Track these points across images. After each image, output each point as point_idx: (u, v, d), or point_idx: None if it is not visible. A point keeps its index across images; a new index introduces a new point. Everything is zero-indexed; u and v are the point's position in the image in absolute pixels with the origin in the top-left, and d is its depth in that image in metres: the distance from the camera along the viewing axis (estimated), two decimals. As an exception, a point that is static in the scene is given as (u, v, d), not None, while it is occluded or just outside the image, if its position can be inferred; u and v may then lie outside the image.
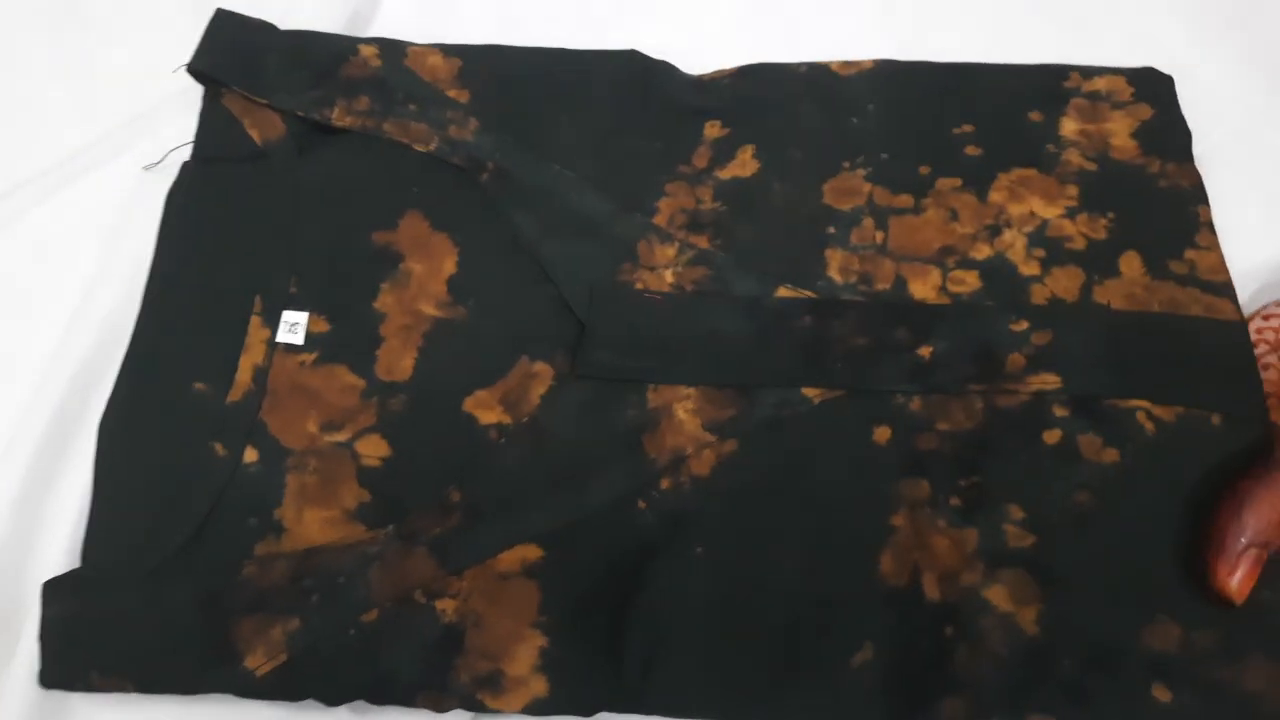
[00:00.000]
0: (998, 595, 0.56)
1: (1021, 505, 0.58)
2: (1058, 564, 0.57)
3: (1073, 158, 0.68)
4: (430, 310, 0.65)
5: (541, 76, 0.73)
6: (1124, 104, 0.70)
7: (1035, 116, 0.70)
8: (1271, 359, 0.61)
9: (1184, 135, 0.69)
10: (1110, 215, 0.66)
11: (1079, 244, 0.65)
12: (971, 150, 0.69)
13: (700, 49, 0.75)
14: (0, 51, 0.80)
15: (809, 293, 0.64)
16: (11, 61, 0.79)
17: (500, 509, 0.59)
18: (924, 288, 0.64)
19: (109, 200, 0.72)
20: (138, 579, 0.57)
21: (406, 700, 0.56)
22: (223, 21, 0.74)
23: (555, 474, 0.60)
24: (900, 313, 0.63)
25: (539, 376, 0.63)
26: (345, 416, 0.62)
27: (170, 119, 0.74)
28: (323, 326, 0.65)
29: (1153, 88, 0.71)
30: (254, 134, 0.71)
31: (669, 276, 0.65)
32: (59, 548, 0.61)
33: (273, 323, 0.64)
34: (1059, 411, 0.60)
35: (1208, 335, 0.61)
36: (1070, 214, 0.66)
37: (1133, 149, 0.69)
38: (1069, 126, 0.70)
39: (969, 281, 0.64)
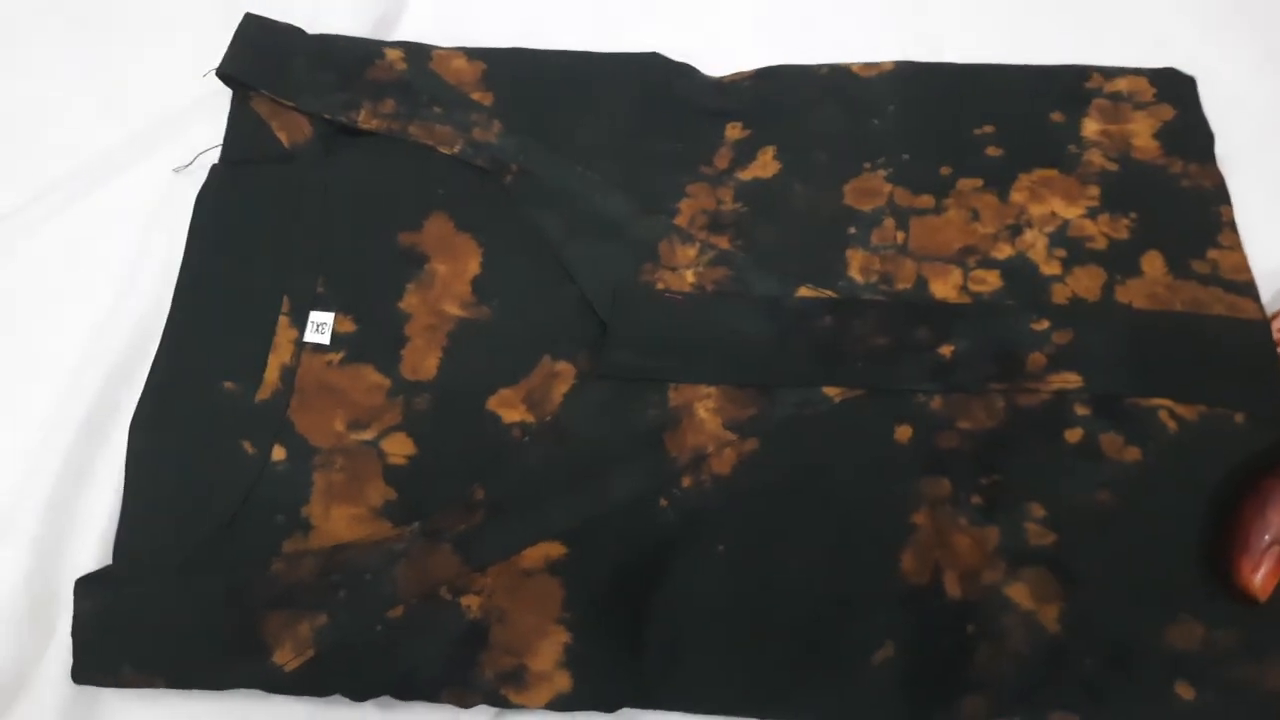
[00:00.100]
0: (1019, 593, 0.56)
1: (1043, 504, 0.58)
2: (1079, 562, 0.57)
3: (1094, 158, 0.68)
4: (455, 310, 0.66)
5: (564, 79, 0.74)
6: (1146, 104, 0.70)
7: (1057, 117, 0.70)
8: (1294, 358, 0.61)
9: (1206, 136, 0.69)
10: (1132, 215, 0.66)
11: (1100, 244, 0.65)
12: (993, 151, 0.69)
13: (720, 51, 0.76)
14: (31, 55, 0.81)
15: (830, 292, 0.64)
16: (43, 65, 0.80)
17: (524, 506, 0.60)
18: (945, 287, 0.64)
19: (139, 202, 0.73)
20: (168, 575, 0.58)
21: (431, 696, 0.56)
22: (251, 26, 0.75)
23: (578, 472, 0.61)
24: (921, 312, 0.63)
25: (562, 376, 0.63)
26: (371, 415, 0.63)
27: (199, 122, 0.74)
28: (349, 326, 0.66)
29: (1175, 88, 0.71)
30: (282, 136, 0.72)
31: (690, 277, 0.66)
32: (91, 545, 0.62)
33: (300, 323, 0.65)
34: (1080, 410, 0.60)
35: (1230, 334, 0.61)
36: (1092, 214, 0.66)
37: (1155, 149, 0.68)
38: (1091, 127, 0.70)
39: (990, 281, 0.64)
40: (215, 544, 0.59)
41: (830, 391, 0.61)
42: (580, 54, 0.75)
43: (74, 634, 0.57)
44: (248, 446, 0.62)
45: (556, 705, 0.56)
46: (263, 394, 0.63)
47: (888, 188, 0.68)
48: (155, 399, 0.64)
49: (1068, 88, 0.71)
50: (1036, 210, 0.66)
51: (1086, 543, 0.57)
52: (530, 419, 0.62)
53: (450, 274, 0.67)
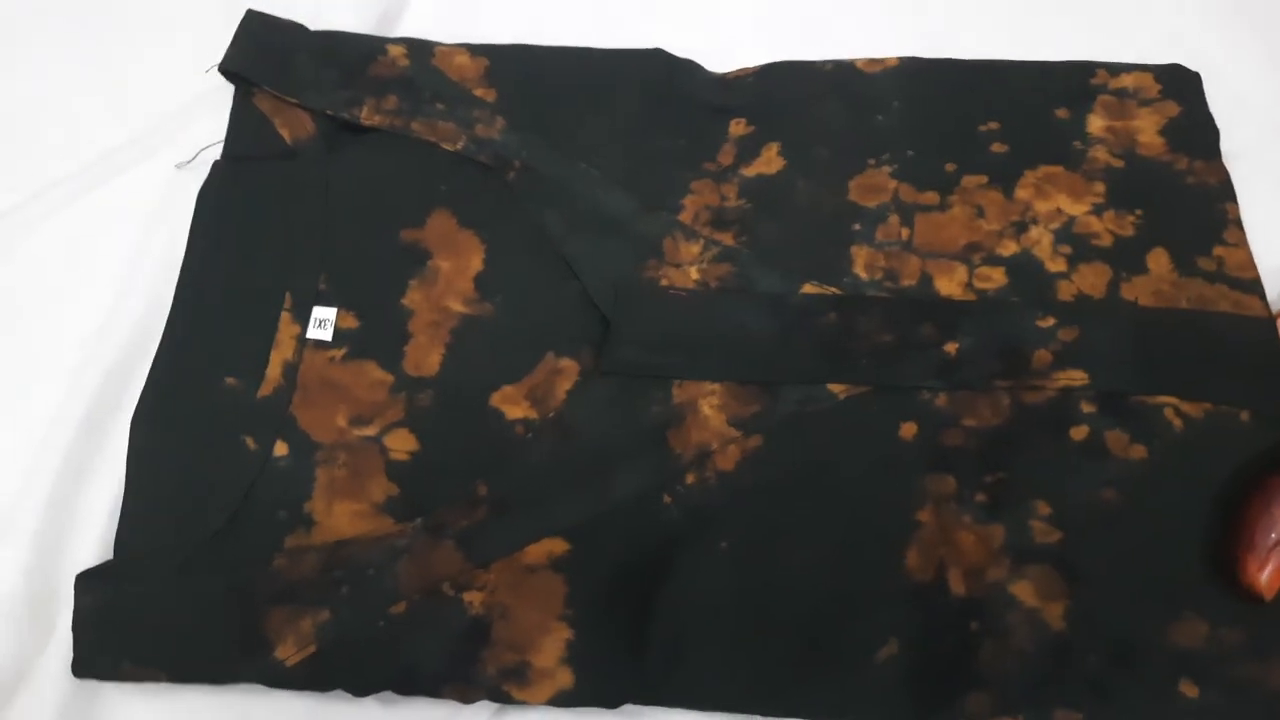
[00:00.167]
0: (1024, 591, 0.56)
1: (1048, 501, 0.58)
2: (1084, 560, 0.57)
3: (1100, 154, 0.68)
4: (457, 307, 0.65)
5: (567, 75, 0.74)
6: (1151, 101, 0.70)
7: (1062, 113, 0.70)
8: (1301, 356, 0.60)
9: (1212, 132, 0.69)
10: (1138, 212, 0.66)
11: (1106, 241, 0.65)
12: (998, 147, 0.69)
13: (725, 48, 0.75)
14: (33, 51, 0.81)
15: (834, 289, 0.64)
16: (44, 61, 0.80)
17: (526, 503, 0.60)
18: (950, 284, 0.64)
19: (141, 198, 0.73)
20: (169, 571, 0.58)
21: (433, 691, 0.56)
22: (253, 22, 0.75)
23: (581, 469, 0.61)
24: (926, 309, 0.63)
25: (565, 372, 0.63)
26: (374, 411, 0.63)
27: (201, 118, 0.74)
28: (352, 323, 0.65)
29: (1180, 85, 0.71)
30: (284, 133, 0.72)
31: (694, 273, 0.65)
32: (92, 540, 0.61)
33: (303, 319, 0.65)
34: (1086, 408, 0.60)
35: (1236, 332, 0.61)
36: (1097, 211, 0.66)
37: (1160, 146, 0.68)
38: (1096, 123, 0.69)
39: (995, 278, 0.64)
40: (217, 540, 0.59)
41: (835, 388, 0.61)
42: (583, 50, 0.75)
43: (74, 629, 0.57)
44: (250, 442, 0.62)
45: (558, 701, 0.56)
46: (265, 390, 0.63)
47: (892, 184, 0.68)
48: (157, 395, 0.64)
49: (1073, 84, 0.71)
50: (1042, 207, 0.66)
51: (1091, 540, 0.57)
52: (533, 415, 0.62)
53: (453, 270, 0.67)
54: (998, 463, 0.59)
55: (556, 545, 0.58)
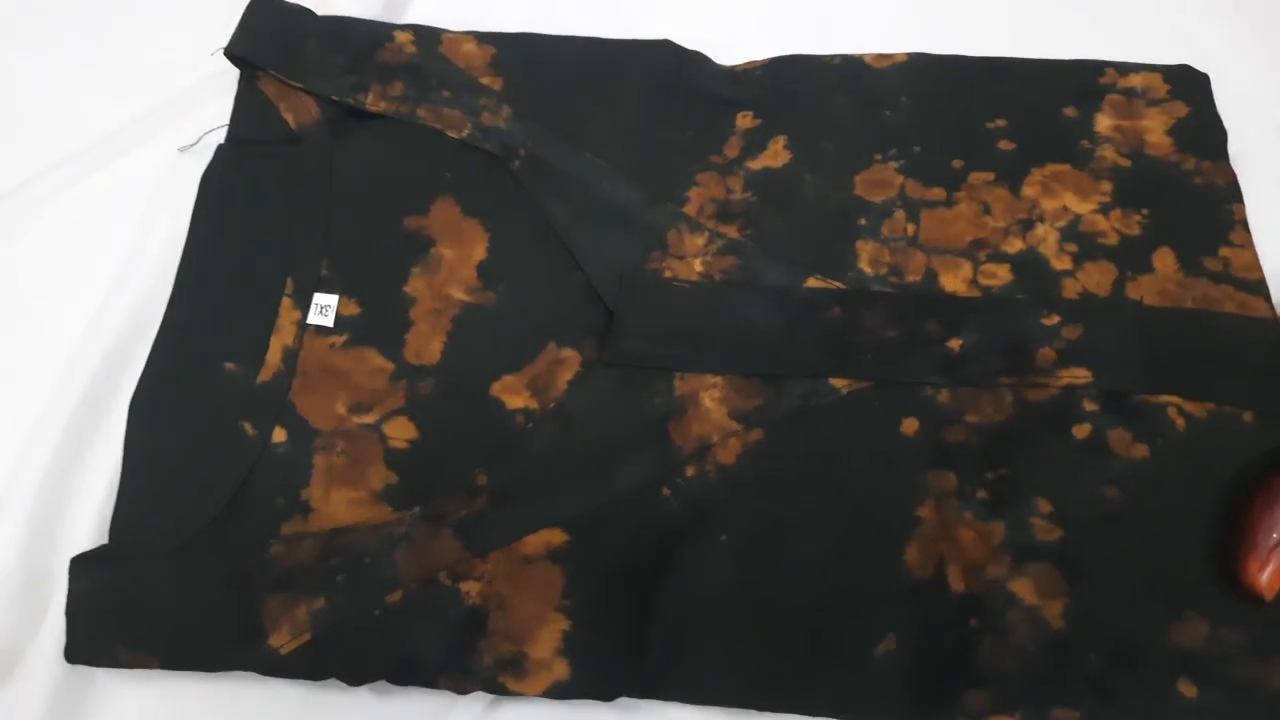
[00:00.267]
0: (1024, 588, 0.56)
1: (1049, 499, 0.58)
2: (1085, 558, 0.56)
3: (1107, 154, 0.68)
4: (460, 295, 0.65)
5: (574, 65, 0.73)
6: (1160, 101, 0.70)
7: (1070, 112, 0.70)
8: (1305, 357, 0.60)
9: (1219, 133, 0.69)
10: (1144, 211, 0.65)
11: (1112, 239, 0.65)
12: (1005, 144, 0.68)
13: (733, 40, 0.75)
14: (39, 33, 0.80)
15: (839, 284, 0.64)
16: (50, 43, 0.80)
17: (526, 493, 0.59)
18: (955, 280, 0.64)
19: (144, 181, 0.73)
20: (165, 556, 0.58)
21: (428, 681, 0.56)
22: (260, 6, 0.74)
23: (581, 460, 0.60)
24: (930, 305, 0.63)
25: (566, 363, 0.63)
26: (374, 399, 0.62)
27: (206, 102, 0.74)
28: (353, 309, 0.65)
29: (1189, 85, 0.71)
30: (289, 118, 0.71)
31: (698, 265, 0.65)
32: (87, 524, 0.61)
33: (304, 304, 0.65)
34: (1089, 406, 0.59)
35: (1240, 332, 0.61)
36: (1104, 209, 0.66)
37: (1168, 146, 0.68)
38: (1104, 122, 0.69)
39: (1000, 275, 0.64)
40: (213, 526, 0.59)
41: (837, 383, 0.61)
42: (591, 40, 0.74)
43: (68, 613, 0.57)
44: (248, 428, 0.61)
45: (554, 693, 0.56)
46: (264, 375, 0.63)
47: (899, 179, 0.68)
48: (156, 378, 0.64)
49: (1081, 83, 0.71)
50: (1048, 205, 0.66)
51: (1092, 539, 0.57)
52: (534, 405, 0.62)
53: (456, 259, 0.66)
54: (999, 460, 0.59)
55: (555, 536, 0.58)
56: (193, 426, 0.62)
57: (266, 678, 0.56)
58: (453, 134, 0.70)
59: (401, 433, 0.62)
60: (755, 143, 0.70)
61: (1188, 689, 0.53)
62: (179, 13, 0.80)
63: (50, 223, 0.72)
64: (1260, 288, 0.63)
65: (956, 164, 0.68)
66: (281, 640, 0.56)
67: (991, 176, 0.67)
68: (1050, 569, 0.56)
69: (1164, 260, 0.64)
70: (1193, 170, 0.67)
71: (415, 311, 0.65)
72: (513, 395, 0.62)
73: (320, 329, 0.64)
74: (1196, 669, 0.54)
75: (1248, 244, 0.64)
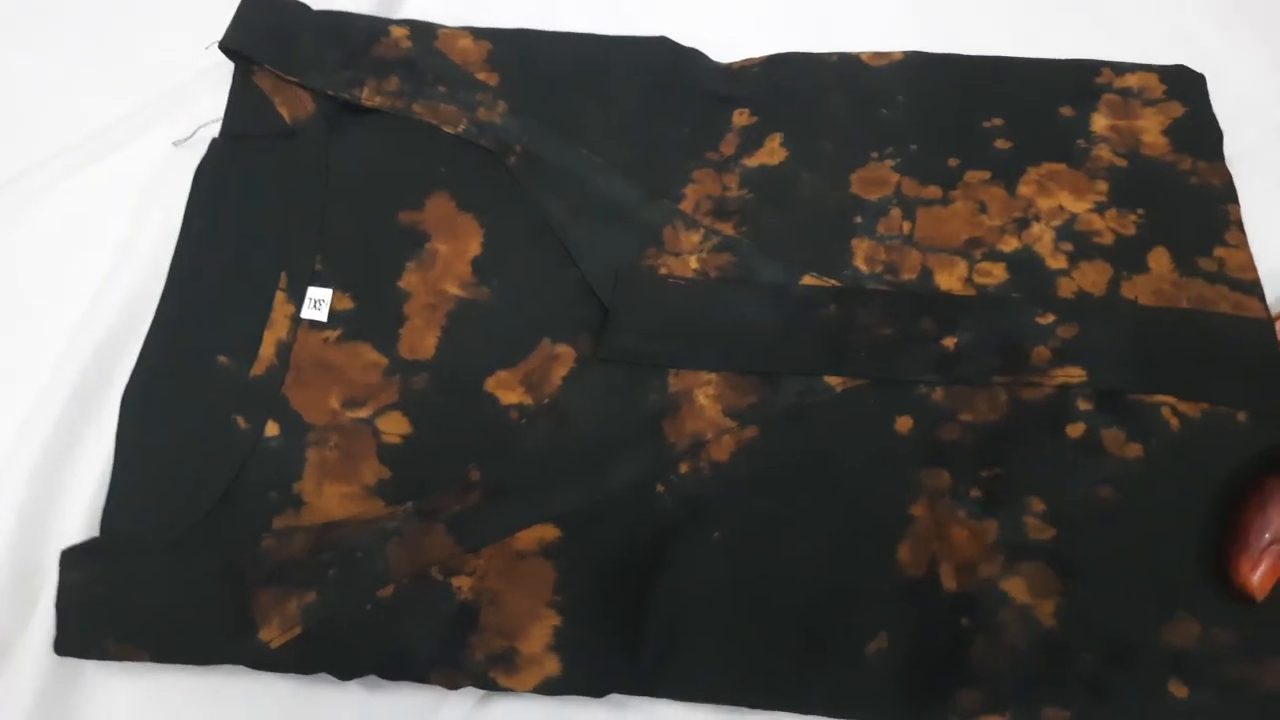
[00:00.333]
0: (1016, 587, 0.56)
1: (1043, 498, 0.58)
2: (1078, 558, 0.56)
3: (1103, 153, 0.68)
4: (454, 290, 0.65)
5: (571, 61, 0.73)
6: (1156, 101, 0.70)
7: (1066, 111, 0.70)
8: (1299, 358, 0.60)
9: (1215, 134, 0.69)
10: (1140, 211, 0.65)
11: (1107, 239, 0.65)
12: (1001, 143, 0.68)
13: (730, 38, 0.75)
14: (33, 27, 0.80)
15: (834, 281, 0.64)
16: (45, 37, 0.80)
17: (519, 489, 0.59)
18: (950, 279, 0.64)
19: (138, 175, 0.72)
20: (156, 549, 0.58)
21: (419, 676, 0.56)
22: (255, 0, 0.74)
23: (575, 456, 0.60)
24: (925, 303, 0.63)
25: (561, 359, 0.63)
26: (367, 393, 0.62)
27: (201, 96, 0.74)
28: (347, 304, 0.65)
29: (1185, 86, 0.71)
30: (284, 112, 0.71)
31: (693, 262, 0.65)
32: (79, 516, 0.61)
33: (297, 298, 0.65)
34: (1083, 405, 0.59)
35: (1235, 333, 0.61)
36: (1099, 209, 0.66)
37: (1164, 146, 0.68)
38: (1100, 122, 0.69)
39: (995, 273, 0.64)
40: (205, 519, 0.59)
41: (832, 381, 0.61)
42: (588, 36, 0.74)
43: (58, 606, 0.57)
44: (241, 422, 0.61)
45: (545, 689, 0.55)
46: (257, 369, 0.63)
47: (895, 178, 0.67)
48: (148, 372, 0.63)
49: (1078, 82, 0.71)
50: (1044, 204, 0.66)
51: (1085, 538, 0.57)
52: (528, 401, 0.62)
53: (451, 254, 0.66)
54: (993, 458, 0.59)
55: (547, 532, 0.58)
56: (185, 420, 0.62)
57: (257, 671, 0.56)
58: (448, 129, 0.70)
59: (395, 427, 0.61)
60: (752, 140, 0.70)
61: (1179, 689, 0.53)
62: (174, 7, 0.80)
63: (44, 216, 0.72)
64: (1255, 288, 0.63)
65: (952, 162, 0.68)
66: (272, 634, 0.56)
67: (987, 175, 0.67)
68: (1043, 568, 0.56)
69: (1159, 260, 0.64)
70: (1188, 170, 0.67)
71: (409, 306, 0.65)
72: (507, 391, 0.62)
73: (314, 323, 0.64)
74: (1188, 669, 0.54)
75: (1243, 244, 0.64)
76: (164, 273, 0.67)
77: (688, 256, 0.65)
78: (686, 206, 0.67)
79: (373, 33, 0.73)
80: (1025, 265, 0.64)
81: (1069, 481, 0.58)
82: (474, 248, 0.66)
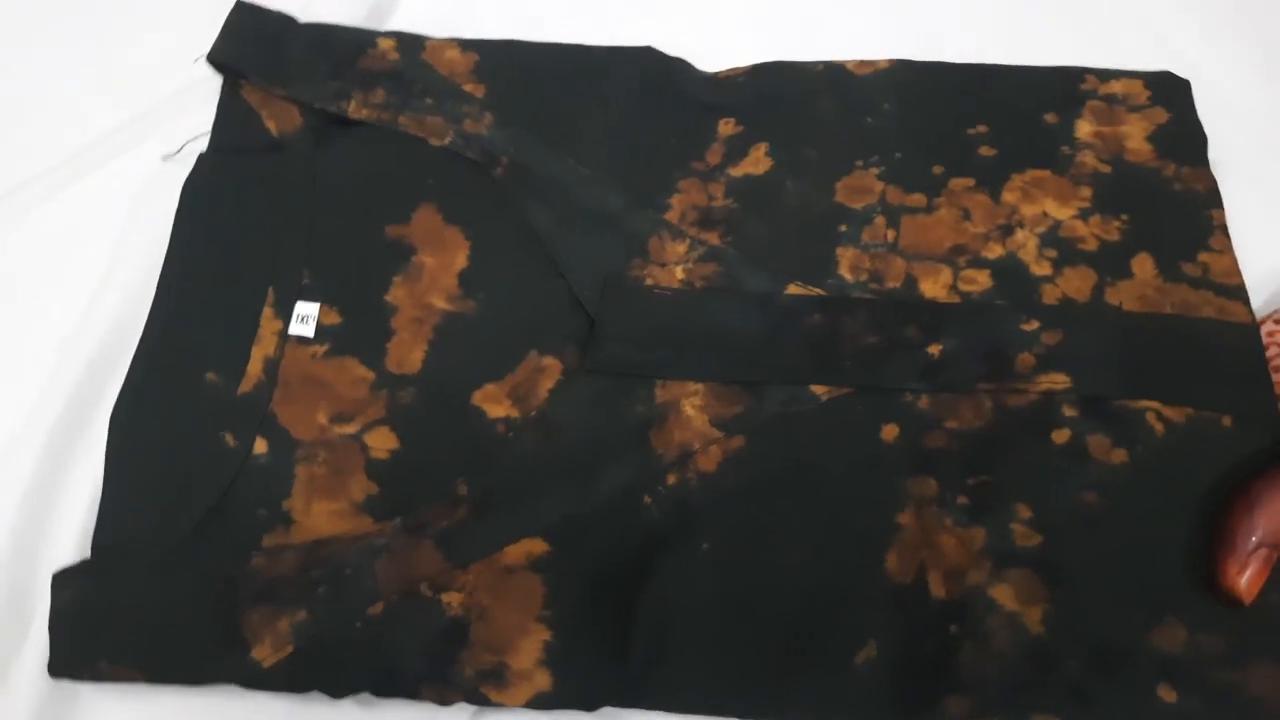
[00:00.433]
0: (1004, 594, 0.56)
1: (1029, 505, 0.58)
2: (1065, 564, 0.56)
3: (1087, 160, 0.68)
4: (441, 304, 0.65)
5: (557, 72, 0.73)
6: (1140, 107, 0.70)
7: (1050, 118, 0.70)
8: (1283, 362, 0.60)
9: (1200, 140, 0.69)
10: (1124, 217, 0.66)
11: (1091, 245, 0.65)
12: (985, 150, 0.69)
13: (716, 48, 0.75)
14: (22, 40, 0.80)
15: (819, 290, 0.64)
16: (33, 51, 0.80)
17: (507, 502, 0.59)
18: (935, 286, 0.64)
19: (126, 189, 0.72)
20: (147, 569, 0.58)
21: (411, 693, 0.56)
22: (242, 13, 0.74)
23: (562, 468, 0.60)
24: (910, 311, 0.63)
25: (548, 371, 0.63)
26: (355, 408, 0.62)
27: (189, 109, 0.74)
28: (334, 318, 0.65)
29: (1169, 92, 0.71)
30: (271, 126, 0.71)
31: (679, 273, 0.65)
32: (69, 537, 0.61)
33: (285, 314, 0.65)
34: (1068, 411, 0.60)
35: (1219, 337, 0.61)
36: (1083, 215, 0.66)
37: (1148, 152, 0.68)
38: (1084, 129, 0.69)
39: (980, 281, 0.64)
40: (195, 538, 0.59)
41: (818, 390, 0.61)
42: (574, 47, 0.74)
43: (51, 628, 0.57)
44: (229, 439, 0.61)
45: (537, 704, 0.55)
46: (245, 386, 0.63)
47: (879, 186, 0.68)
48: (137, 389, 0.63)
49: (1062, 89, 0.71)
50: (1028, 210, 0.66)
51: (1072, 544, 0.57)
52: (515, 414, 0.62)
53: (437, 267, 0.66)
54: (979, 465, 0.59)
55: (535, 546, 0.58)
56: (174, 438, 0.62)
57: (250, 690, 0.56)
58: (435, 141, 0.70)
59: (383, 443, 0.62)
60: (737, 149, 0.70)
61: (1167, 694, 0.54)
62: (161, 20, 0.80)
63: (31, 231, 0.72)
64: (1239, 293, 0.63)
65: (937, 170, 0.68)
66: (264, 653, 0.56)
67: (972, 182, 0.67)
68: (1030, 575, 0.56)
69: (1143, 266, 0.64)
70: (1172, 176, 0.67)
71: (396, 320, 0.65)
72: (494, 404, 0.62)
73: (301, 339, 0.64)
74: (1176, 674, 0.54)
75: (1227, 249, 0.64)
76: (152, 289, 0.67)
77: (674, 267, 0.65)
78: (672, 216, 0.67)
79: (360, 45, 0.73)
80: (1010, 272, 0.64)
81: (1055, 488, 0.58)
82: (460, 260, 0.66)
